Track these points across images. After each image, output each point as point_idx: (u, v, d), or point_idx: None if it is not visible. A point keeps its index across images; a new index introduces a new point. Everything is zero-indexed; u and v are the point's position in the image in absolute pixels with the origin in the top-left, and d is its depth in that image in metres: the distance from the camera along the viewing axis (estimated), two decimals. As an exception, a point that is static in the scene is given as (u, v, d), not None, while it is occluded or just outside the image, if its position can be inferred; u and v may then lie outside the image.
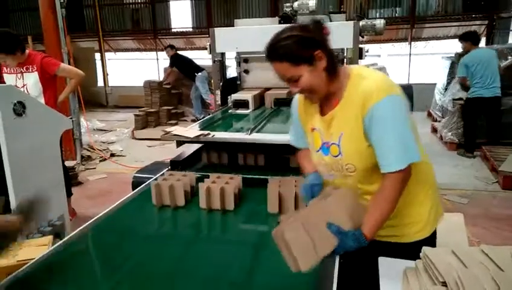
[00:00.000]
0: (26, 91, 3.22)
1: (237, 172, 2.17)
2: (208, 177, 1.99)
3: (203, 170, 2.45)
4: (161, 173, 2.27)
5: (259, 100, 3.42)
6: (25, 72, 3.26)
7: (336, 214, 1.25)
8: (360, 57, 3.15)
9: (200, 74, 7.76)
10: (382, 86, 1.24)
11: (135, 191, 2.16)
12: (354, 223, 1.25)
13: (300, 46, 1.25)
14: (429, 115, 7.56)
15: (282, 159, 2.44)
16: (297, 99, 1.53)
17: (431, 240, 1.43)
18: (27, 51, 3.27)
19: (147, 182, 2.20)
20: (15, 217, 1.32)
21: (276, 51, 1.27)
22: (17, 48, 3.17)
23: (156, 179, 2.02)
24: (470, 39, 5.20)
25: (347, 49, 3.24)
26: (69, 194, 3.48)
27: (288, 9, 3.39)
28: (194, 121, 7.30)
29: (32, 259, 1.49)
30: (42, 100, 3.24)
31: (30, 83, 3.27)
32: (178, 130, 2.45)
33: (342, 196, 1.30)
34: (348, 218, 1.25)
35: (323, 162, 1.42)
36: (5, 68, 3.31)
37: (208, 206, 1.86)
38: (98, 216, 1.83)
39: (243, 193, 2.01)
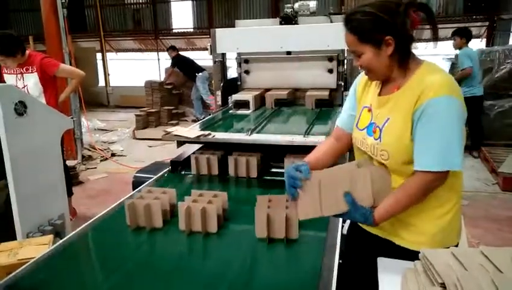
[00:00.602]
0: (26, 92, 3.23)
1: (226, 186, 2.15)
2: (189, 194, 1.78)
3: (196, 177, 2.36)
4: (138, 189, 2.09)
5: (260, 101, 3.43)
6: (25, 72, 3.27)
7: (359, 187, 1.27)
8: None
9: (200, 74, 7.76)
10: (445, 85, 1.20)
11: (109, 208, 1.92)
12: (373, 203, 1.26)
13: (372, 26, 1.22)
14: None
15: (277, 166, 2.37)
16: (360, 78, 1.51)
17: None
18: (27, 52, 3.27)
19: (125, 197, 1.91)
20: None
21: (349, 21, 1.26)
22: (18, 50, 3.18)
23: (131, 197, 1.81)
24: (465, 35, 5.20)
25: (347, 50, 3.25)
26: (69, 193, 3.49)
27: (289, 10, 3.39)
28: (195, 121, 7.30)
29: (32, 258, 1.49)
30: (43, 101, 3.25)
31: (30, 83, 3.27)
32: (179, 130, 2.46)
33: (375, 173, 1.30)
34: (369, 196, 1.26)
35: (365, 143, 1.39)
36: (5, 69, 3.32)
37: (187, 228, 1.63)
38: (97, 216, 1.83)
39: (231, 209, 1.79)
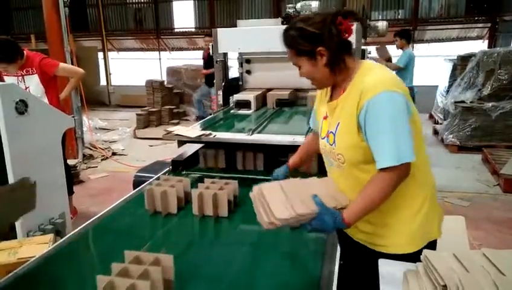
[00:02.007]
0: None
1: (236, 173, 2.17)
2: (203, 181, 1.92)
3: (203, 170, 2.44)
4: (157, 176, 2.23)
5: (262, 101, 3.42)
6: (25, 74, 3.26)
7: (319, 191, 1.29)
8: (363, 58, 3.15)
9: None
10: (381, 82, 1.23)
11: (131, 193, 2.11)
12: (337, 204, 1.27)
13: (302, 40, 1.29)
14: (431, 117, 7.55)
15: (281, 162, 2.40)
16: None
17: (415, 257, 1.20)
18: (25, 53, 3.26)
19: (144, 184, 2.13)
20: None
21: (284, 38, 1.35)
22: (18, 56, 3.17)
23: (150, 184, 1.95)
24: (405, 37, 5.46)
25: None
26: (70, 192, 3.48)
27: (291, 10, 3.39)
28: (198, 118, 7.28)
29: (32, 257, 1.49)
30: (45, 101, 3.24)
31: (32, 85, 3.26)
32: (180, 129, 2.46)
33: (325, 181, 1.38)
34: (330, 198, 1.28)
35: (326, 151, 1.43)
36: (5, 71, 3.31)
37: (200, 213, 1.77)
38: (97, 216, 1.83)
39: (241, 197, 1.89)
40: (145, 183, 2.20)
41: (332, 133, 1.36)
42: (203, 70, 7.28)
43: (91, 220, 1.78)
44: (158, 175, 2.33)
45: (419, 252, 1.18)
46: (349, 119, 1.28)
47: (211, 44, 3.43)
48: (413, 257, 1.24)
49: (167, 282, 1.19)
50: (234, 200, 1.85)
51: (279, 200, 1.24)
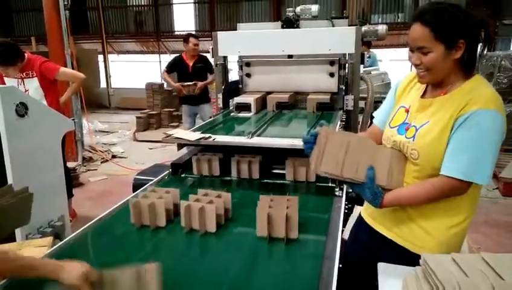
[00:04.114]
0: None
1: (228, 187, 2.12)
2: (201, 184, 1.90)
3: (201, 176, 2.38)
4: (143, 188, 2.11)
5: (261, 104, 3.43)
6: (25, 77, 3.26)
7: (379, 165, 1.29)
8: (362, 62, 3.16)
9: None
10: (494, 99, 1.21)
11: (114, 207, 1.95)
12: (387, 184, 1.28)
13: (452, 26, 1.20)
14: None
15: (278, 174, 2.34)
16: (404, 78, 1.50)
17: None
18: (26, 56, 3.26)
19: (147, 184, 2.17)
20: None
21: (427, 14, 1.22)
22: (18, 59, 3.17)
23: (136, 196, 1.83)
24: (366, 43, 5.63)
25: (349, 54, 3.25)
26: (69, 195, 3.48)
27: (290, 14, 3.40)
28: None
29: (32, 260, 1.49)
30: (45, 104, 3.25)
31: (32, 88, 3.26)
32: (179, 132, 2.46)
33: (396, 156, 1.34)
34: (384, 176, 1.28)
35: (391, 139, 1.39)
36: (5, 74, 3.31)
37: (188, 226, 1.66)
38: (96, 219, 1.83)
39: (234, 208, 1.79)
40: (139, 190, 2.10)
41: (415, 127, 1.31)
42: (199, 83, 5.06)
43: (90, 223, 1.78)
44: (147, 185, 2.20)
45: None
46: (445, 121, 1.24)
47: (210, 47, 3.43)
48: None
49: (227, 210, 1.74)
50: (225, 214, 1.72)
51: (334, 155, 1.27)
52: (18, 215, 1.50)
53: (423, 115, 1.32)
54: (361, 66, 3.23)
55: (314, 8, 3.38)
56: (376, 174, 1.28)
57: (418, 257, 1.12)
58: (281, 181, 2.28)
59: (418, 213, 1.33)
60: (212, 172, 2.36)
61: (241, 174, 2.31)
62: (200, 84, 5.05)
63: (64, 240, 1.65)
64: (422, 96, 1.37)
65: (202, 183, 2.29)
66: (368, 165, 1.29)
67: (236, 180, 2.31)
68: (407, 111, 1.38)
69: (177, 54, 5.63)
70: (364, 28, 3.18)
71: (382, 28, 3.24)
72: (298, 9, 3.41)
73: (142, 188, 2.11)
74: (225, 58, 3.54)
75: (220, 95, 3.51)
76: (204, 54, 5.34)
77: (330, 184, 2.07)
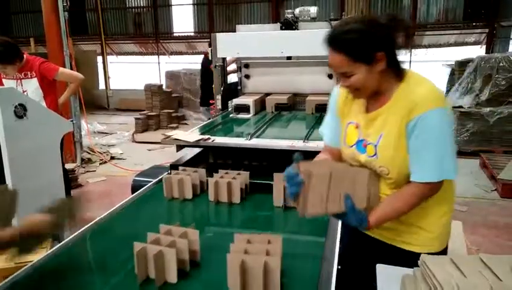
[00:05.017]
0: None
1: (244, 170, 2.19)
2: (217, 172, 2.08)
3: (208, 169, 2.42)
4: (166, 172, 2.31)
5: (260, 105, 3.43)
6: (23, 78, 3.26)
7: (358, 188, 1.27)
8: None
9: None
10: (436, 97, 1.21)
11: (149, 184, 2.26)
12: (367, 206, 1.27)
13: (364, 44, 1.18)
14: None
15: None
16: (339, 91, 1.45)
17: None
18: (25, 56, 3.26)
19: (149, 184, 2.26)
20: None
21: (337, 40, 1.20)
22: (17, 57, 3.17)
23: (169, 173, 2.15)
24: None
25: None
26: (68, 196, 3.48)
27: (289, 16, 3.40)
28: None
29: (30, 262, 1.49)
30: (44, 105, 3.24)
31: (30, 89, 3.26)
32: (178, 134, 2.46)
33: (373, 176, 1.32)
34: (363, 198, 1.27)
35: (356, 160, 1.37)
36: (3, 74, 3.31)
37: (215, 199, 1.96)
38: (97, 219, 1.83)
39: (250, 188, 2.06)
40: (143, 188, 2.20)
41: (372, 144, 1.30)
42: None
43: (89, 224, 1.77)
44: (157, 179, 2.32)
45: (444, 252, 1.36)
46: (397, 130, 1.24)
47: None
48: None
49: (246, 185, 2.00)
50: (246, 189, 2.02)
51: (318, 193, 1.24)
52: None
53: (374, 129, 1.31)
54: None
55: (313, 9, 3.39)
56: (355, 199, 1.25)
57: (418, 256, 1.13)
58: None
59: (411, 216, 1.33)
60: (184, 195, 2.02)
61: (219, 197, 1.98)
62: None
63: (63, 242, 1.64)
64: (367, 110, 1.35)
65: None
66: (342, 194, 1.25)
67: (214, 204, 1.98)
68: (357, 127, 1.37)
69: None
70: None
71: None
72: (297, 11, 3.42)
73: (154, 181, 2.25)
74: (224, 59, 3.54)
75: (219, 97, 3.52)
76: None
77: None
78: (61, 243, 1.64)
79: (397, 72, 1.28)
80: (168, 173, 2.21)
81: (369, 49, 1.19)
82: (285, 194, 1.79)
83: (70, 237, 1.67)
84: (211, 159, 2.64)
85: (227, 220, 1.94)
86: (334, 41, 1.21)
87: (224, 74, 3.61)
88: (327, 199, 1.24)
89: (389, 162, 1.28)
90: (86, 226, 1.75)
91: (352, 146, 1.38)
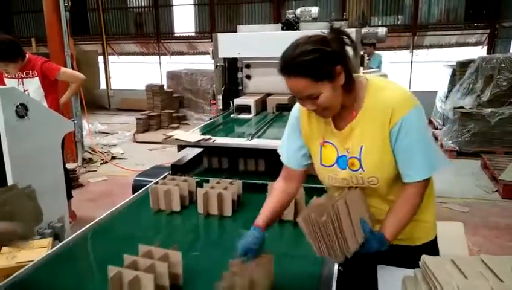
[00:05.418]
0: None
1: (238, 177, 2.16)
2: (207, 182, 1.97)
3: (205, 174, 2.44)
4: (162, 176, 2.26)
5: (261, 105, 3.43)
6: (25, 77, 3.26)
7: (360, 209, 1.24)
8: (362, 64, 3.17)
9: None
10: (407, 98, 1.24)
11: (134, 195, 2.15)
12: (372, 224, 1.25)
13: (323, 62, 1.16)
14: (430, 122, 7.56)
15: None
16: (300, 111, 1.40)
17: (435, 244, 1.46)
18: (27, 56, 3.27)
19: (147, 186, 2.19)
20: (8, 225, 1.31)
21: (295, 66, 1.17)
22: (19, 56, 3.17)
23: (156, 183, 2.00)
24: (371, 44, 5.73)
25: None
26: (69, 196, 3.48)
27: (290, 16, 3.40)
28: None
29: (31, 261, 1.49)
30: (45, 105, 3.25)
31: (31, 89, 3.26)
32: (179, 134, 2.46)
33: (361, 193, 1.30)
34: (368, 217, 1.26)
35: (335, 179, 1.34)
36: (5, 73, 3.31)
37: (205, 211, 1.83)
38: (97, 219, 1.83)
39: (243, 198, 1.97)
40: (144, 188, 2.21)
41: (356, 158, 1.29)
42: None
43: (90, 224, 1.78)
44: (158, 179, 2.32)
45: (436, 238, 1.44)
46: (378, 138, 1.24)
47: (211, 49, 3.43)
48: (434, 244, 1.44)
49: (239, 196, 1.85)
50: (238, 200, 1.91)
51: (349, 227, 1.12)
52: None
53: (351, 143, 1.29)
54: (362, 68, 3.24)
55: (314, 10, 3.39)
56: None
57: (420, 249, 1.15)
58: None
59: (419, 212, 1.35)
60: (171, 207, 1.94)
61: (209, 210, 1.90)
62: None
63: (64, 241, 1.65)
64: (337, 127, 1.32)
65: (202, 186, 2.28)
66: (358, 221, 1.18)
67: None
68: (332, 145, 1.33)
69: None
70: (364, 30, 3.19)
71: (382, 30, 3.25)
72: (298, 11, 3.42)
73: (155, 181, 2.18)
74: (225, 60, 3.55)
75: (220, 97, 3.52)
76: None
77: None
78: (61, 243, 1.64)
79: (354, 82, 1.27)
80: (155, 183, 2.03)
81: (328, 65, 1.17)
82: None
83: (71, 236, 1.68)
84: (206, 163, 2.59)
85: (216, 237, 1.79)
86: (291, 67, 1.18)
87: (225, 74, 3.61)
88: (354, 231, 1.15)
89: (377, 172, 1.28)
90: (87, 226, 1.76)
91: (332, 165, 1.34)
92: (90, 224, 1.78)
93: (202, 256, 1.53)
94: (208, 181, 1.98)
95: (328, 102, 1.20)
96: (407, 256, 1.27)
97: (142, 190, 2.19)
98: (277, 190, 1.44)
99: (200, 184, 1.97)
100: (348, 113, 1.28)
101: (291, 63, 1.17)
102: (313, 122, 1.37)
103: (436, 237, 1.47)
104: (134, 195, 2.07)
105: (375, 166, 1.27)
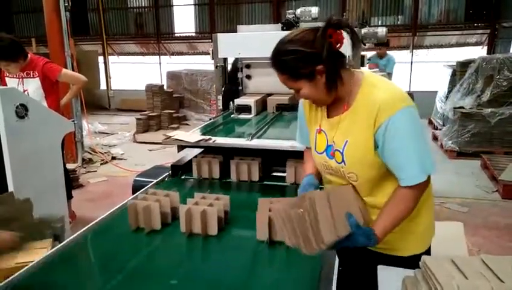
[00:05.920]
0: None
1: (228, 190, 2.14)
2: (200, 188, 1.91)
3: (197, 181, 2.37)
4: (144, 189, 2.09)
5: (262, 105, 3.43)
6: (25, 77, 3.26)
7: (350, 204, 1.23)
8: (362, 64, 3.16)
9: None
10: (397, 98, 1.21)
11: (112, 210, 1.94)
12: (364, 221, 1.24)
13: (300, 63, 1.21)
14: (430, 122, 7.56)
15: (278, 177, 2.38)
16: (303, 100, 1.48)
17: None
18: (29, 56, 3.27)
19: (137, 193, 2.01)
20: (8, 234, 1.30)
21: (276, 63, 1.26)
22: (21, 55, 3.17)
23: (136, 198, 1.83)
24: (386, 44, 5.84)
25: (349, 56, 3.26)
26: (69, 197, 3.48)
27: (290, 16, 3.41)
28: None
29: (31, 262, 1.49)
30: (45, 105, 3.24)
31: (31, 89, 3.25)
32: (179, 134, 2.46)
33: (353, 189, 1.30)
34: (359, 213, 1.24)
35: (327, 166, 1.37)
36: (7, 72, 3.32)
37: (188, 230, 1.64)
38: (95, 221, 1.82)
39: (232, 213, 1.79)
40: (138, 193, 2.11)
41: (339, 151, 1.30)
42: None
43: (90, 225, 1.78)
44: (144, 189, 2.12)
45: (423, 253, 1.34)
46: (363, 135, 1.24)
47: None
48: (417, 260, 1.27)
49: (226, 213, 1.69)
50: (225, 217, 1.73)
51: (326, 219, 1.11)
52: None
53: (338, 136, 1.31)
54: (362, 68, 3.24)
55: (314, 10, 3.39)
56: (356, 216, 1.21)
57: (415, 258, 1.14)
58: (281, 183, 2.28)
59: (407, 221, 1.31)
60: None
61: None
62: None
63: (64, 242, 1.65)
64: (329, 115, 1.36)
65: (202, 185, 2.30)
66: (343, 215, 1.17)
67: (236, 182, 2.31)
68: (323, 132, 1.38)
69: None
70: (364, 31, 3.19)
71: (382, 31, 3.25)
72: (298, 11, 3.42)
73: (141, 190, 2.10)
74: (225, 60, 3.55)
75: (220, 97, 3.52)
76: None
77: None
78: (61, 243, 1.64)
79: (349, 76, 1.28)
80: (135, 198, 1.86)
81: (306, 66, 1.21)
82: (271, 226, 1.54)
83: (71, 237, 1.67)
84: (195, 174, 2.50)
85: (199, 261, 1.56)
86: (274, 62, 1.27)
87: (225, 74, 3.61)
88: (334, 224, 1.14)
89: (357, 168, 1.28)
90: (87, 227, 1.75)
91: (322, 152, 1.38)
92: (90, 224, 1.78)
93: (179, 286, 1.34)
94: (200, 186, 1.92)
95: (309, 96, 1.28)
96: (395, 265, 1.24)
97: (121, 204, 1.98)
98: (308, 154, 1.54)
99: (187, 195, 1.83)
100: (341, 104, 1.31)
101: (275, 58, 1.26)
102: (313, 109, 1.44)
103: (429, 248, 1.42)
104: (112, 210, 1.88)
105: (355, 162, 1.28)
